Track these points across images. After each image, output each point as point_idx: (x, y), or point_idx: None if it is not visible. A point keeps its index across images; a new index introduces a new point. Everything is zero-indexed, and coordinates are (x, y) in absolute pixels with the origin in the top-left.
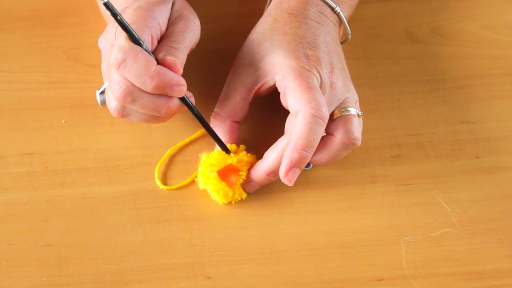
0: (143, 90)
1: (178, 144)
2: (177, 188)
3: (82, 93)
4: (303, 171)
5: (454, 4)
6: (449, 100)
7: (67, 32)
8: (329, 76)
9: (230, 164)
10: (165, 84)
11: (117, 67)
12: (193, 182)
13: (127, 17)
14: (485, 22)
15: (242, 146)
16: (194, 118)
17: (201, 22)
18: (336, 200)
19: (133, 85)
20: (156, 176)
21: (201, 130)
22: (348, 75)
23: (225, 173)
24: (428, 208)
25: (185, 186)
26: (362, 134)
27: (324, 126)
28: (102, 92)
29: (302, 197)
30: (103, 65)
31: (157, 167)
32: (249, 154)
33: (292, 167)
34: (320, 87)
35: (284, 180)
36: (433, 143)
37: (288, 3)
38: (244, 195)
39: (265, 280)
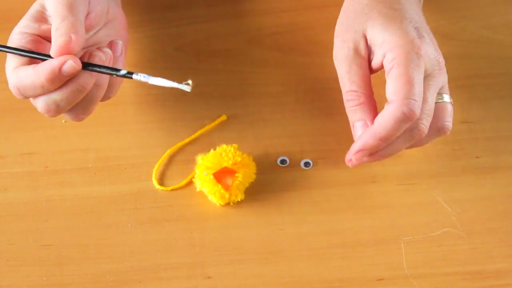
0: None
1: (178, 144)
2: (173, 189)
3: None
4: (302, 171)
5: (454, 4)
6: None
7: None
8: (437, 59)
9: (225, 167)
10: (52, 72)
11: (17, 95)
12: (191, 182)
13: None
14: (485, 22)
15: (235, 145)
16: (194, 118)
17: (201, 22)
18: (336, 200)
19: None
20: (153, 176)
21: (201, 130)
22: (437, 47)
23: (220, 176)
24: (428, 208)
25: (184, 186)
26: None
27: (410, 124)
28: None
29: (302, 197)
30: None
31: (156, 167)
32: (244, 154)
33: (362, 150)
34: (428, 72)
35: (350, 159)
36: (433, 143)
37: None
38: (240, 197)
39: (265, 280)
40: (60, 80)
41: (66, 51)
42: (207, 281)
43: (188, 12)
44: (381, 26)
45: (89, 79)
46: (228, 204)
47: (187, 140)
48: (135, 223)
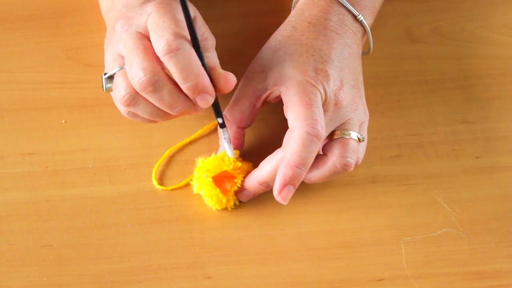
0: (168, 82)
1: (178, 144)
2: (173, 189)
3: (82, 93)
4: None
5: (454, 4)
6: (449, 100)
7: (67, 32)
8: (335, 93)
9: (226, 171)
10: (202, 87)
11: (167, 52)
12: (190, 182)
13: (161, 8)
14: (485, 22)
15: (236, 151)
16: (194, 118)
17: None
18: (336, 200)
19: (160, 74)
20: (153, 175)
21: (201, 130)
22: (361, 94)
23: (220, 180)
24: (428, 208)
25: (185, 186)
26: None
27: (319, 144)
28: (110, 78)
29: (302, 197)
30: (117, 49)
31: (155, 166)
32: (244, 161)
33: (286, 184)
34: (324, 104)
35: (278, 198)
36: (433, 143)
37: (310, 12)
38: (236, 201)
39: (265, 280)
40: (195, 91)
41: (229, 87)
42: (207, 281)
43: None
44: (281, 65)
45: (189, 109)
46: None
47: (187, 140)
48: (135, 223)
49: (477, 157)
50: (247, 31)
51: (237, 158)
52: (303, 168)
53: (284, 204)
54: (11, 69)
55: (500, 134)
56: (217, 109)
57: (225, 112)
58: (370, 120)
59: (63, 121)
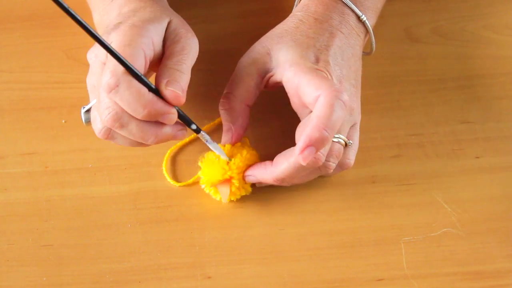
0: (132, 117)
1: (178, 144)
2: (182, 186)
3: (82, 93)
4: None
5: (454, 4)
6: (449, 100)
7: (67, 32)
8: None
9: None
10: (157, 112)
11: (108, 91)
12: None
13: (121, 36)
14: (485, 22)
15: (246, 139)
16: (194, 118)
17: (201, 22)
18: (336, 200)
19: (123, 110)
20: (165, 173)
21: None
22: (358, 94)
23: (220, 184)
24: (428, 208)
25: (187, 185)
26: (363, 134)
27: (346, 113)
28: (88, 110)
29: (302, 197)
30: (91, 80)
31: (164, 166)
32: (249, 154)
33: (310, 145)
34: None
35: (299, 157)
36: (433, 143)
37: (315, 8)
38: (249, 190)
39: (265, 280)
40: (153, 118)
41: (177, 103)
42: (207, 281)
43: (188, 12)
44: (287, 49)
45: (165, 136)
46: (228, 203)
47: (187, 139)
48: (135, 223)
49: (477, 157)
50: (247, 31)
51: (245, 144)
52: (330, 132)
53: (303, 164)
54: (11, 69)
55: (500, 134)
56: (184, 119)
57: (228, 90)
58: (370, 120)
59: (63, 121)
